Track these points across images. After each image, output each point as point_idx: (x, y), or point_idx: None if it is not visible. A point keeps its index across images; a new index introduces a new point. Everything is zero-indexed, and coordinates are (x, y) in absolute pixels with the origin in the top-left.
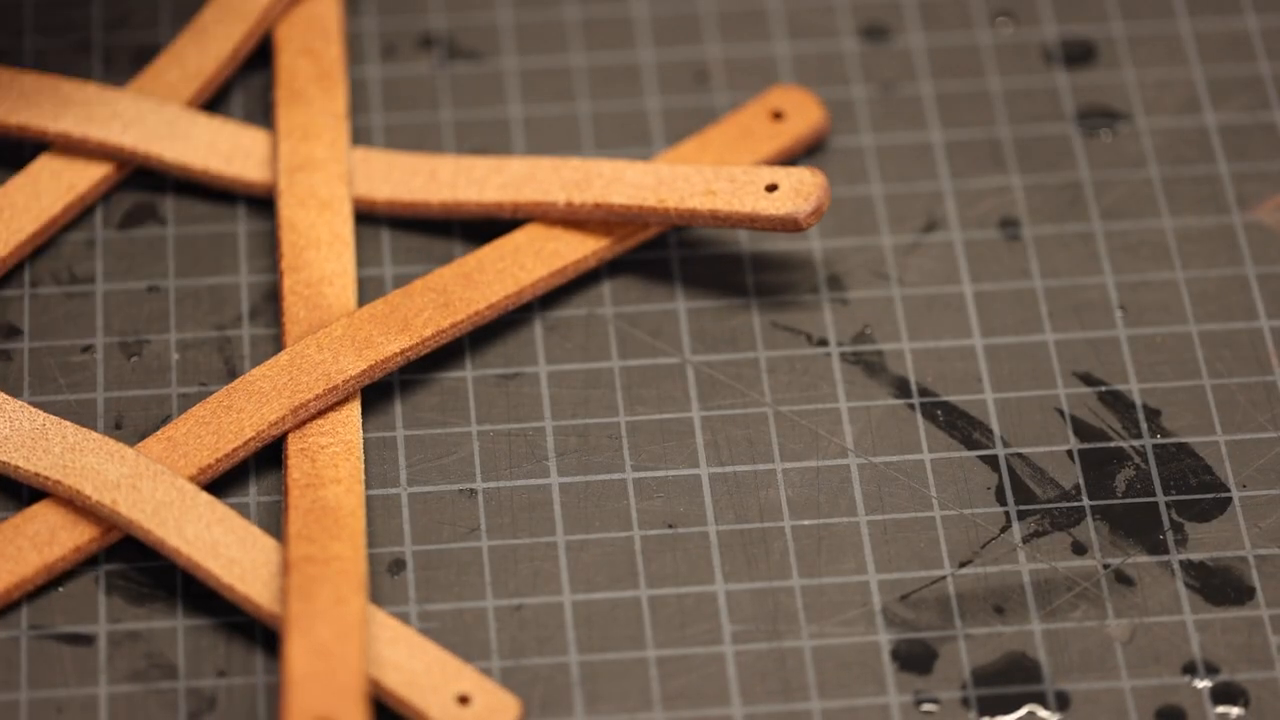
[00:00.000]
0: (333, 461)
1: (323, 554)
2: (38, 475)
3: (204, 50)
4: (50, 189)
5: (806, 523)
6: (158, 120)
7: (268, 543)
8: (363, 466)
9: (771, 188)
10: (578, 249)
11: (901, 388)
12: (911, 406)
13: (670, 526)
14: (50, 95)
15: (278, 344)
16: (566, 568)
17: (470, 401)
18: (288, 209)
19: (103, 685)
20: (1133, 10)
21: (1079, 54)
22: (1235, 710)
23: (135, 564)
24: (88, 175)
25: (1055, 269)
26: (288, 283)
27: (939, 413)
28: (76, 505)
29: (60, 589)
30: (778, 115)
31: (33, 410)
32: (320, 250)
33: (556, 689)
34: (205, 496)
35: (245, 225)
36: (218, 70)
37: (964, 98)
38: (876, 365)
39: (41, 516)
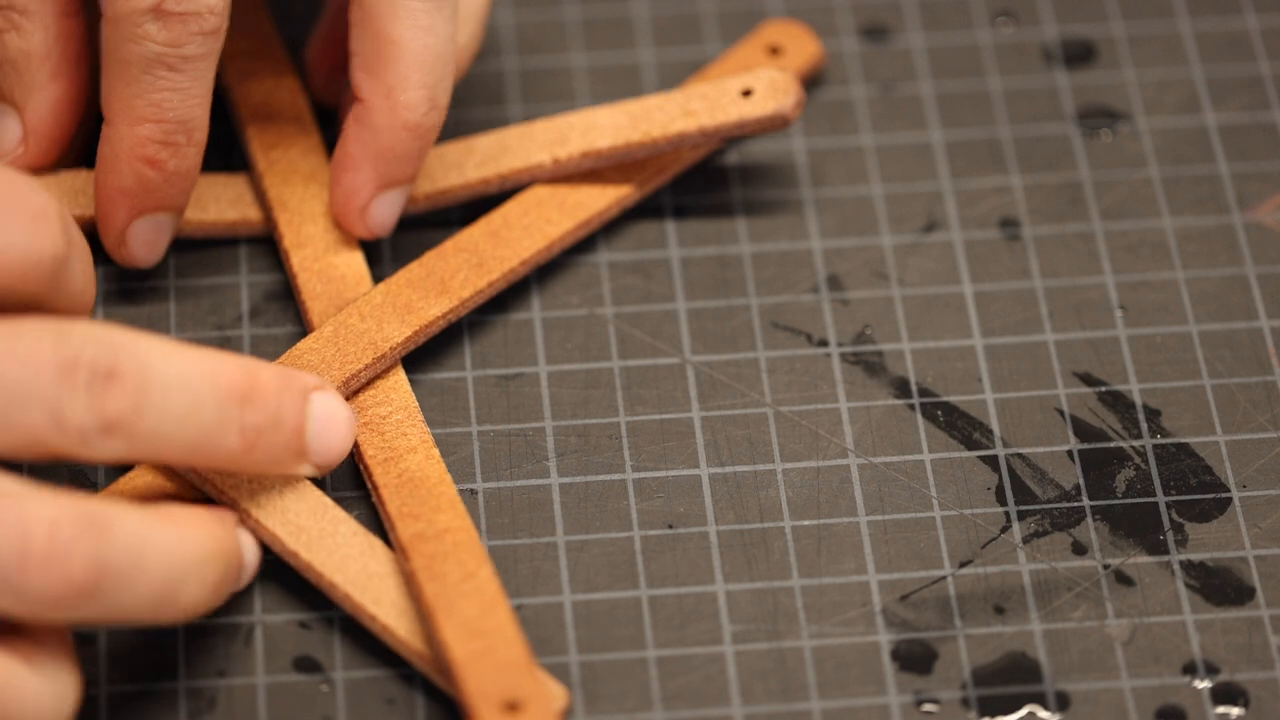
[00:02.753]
0: (400, 430)
1: (432, 529)
2: None
3: None
4: None
5: (806, 523)
6: None
7: (338, 513)
8: (429, 429)
9: (747, 93)
10: (600, 198)
11: (901, 388)
12: (911, 406)
13: (670, 526)
14: None
15: (279, 343)
16: (566, 568)
17: (470, 401)
18: (274, 188)
19: (104, 685)
20: (1133, 10)
21: (1079, 54)
22: (1235, 710)
23: None
24: None
25: (1055, 269)
26: (296, 259)
27: (939, 413)
28: (167, 473)
29: None
30: (774, 50)
31: None
32: (318, 223)
33: None
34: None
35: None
36: None
37: (964, 98)
38: (876, 365)
39: (138, 482)
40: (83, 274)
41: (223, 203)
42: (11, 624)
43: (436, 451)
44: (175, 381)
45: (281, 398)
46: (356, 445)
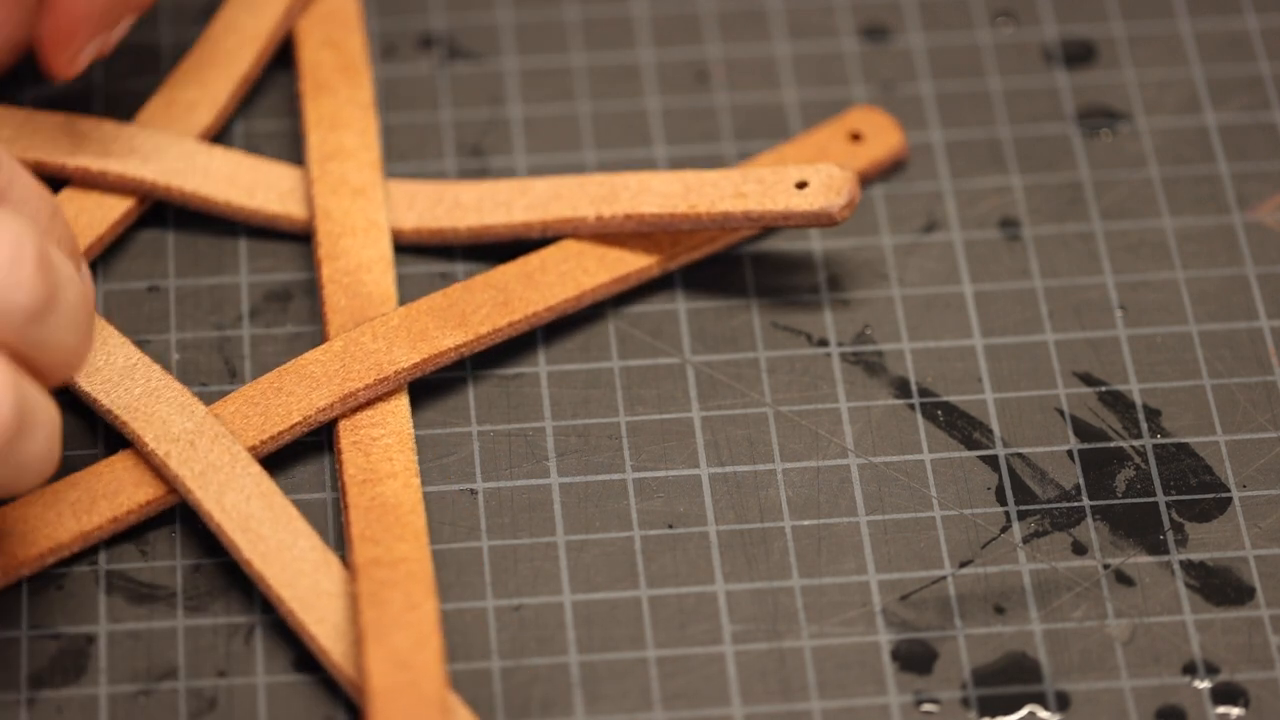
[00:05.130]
0: (387, 455)
1: (389, 556)
2: (110, 412)
3: (224, 62)
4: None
5: (806, 523)
6: (176, 153)
7: (301, 526)
8: (416, 458)
9: (801, 185)
10: (642, 259)
11: (901, 388)
12: (911, 406)
13: (670, 526)
14: (66, 132)
15: (279, 343)
16: (566, 568)
17: (470, 401)
18: (322, 196)
19: (103, 685)
20: (1133, 10)
21: (1079, 54)
22: (1235, 710)
23: (135, 564)
24: (108, 213)
25: (1055, 269)
26: (326, 271)
27: (939, 413)
28: (143, 463)
29: (60, 589)
30: (856, 137)
31: (131, 347)
32: (356, 238)
33: (556, 689)
34: (256, 469)
35: (246, 225)
36: (243, 78)
37: (964, 98)
38: (876, 365)
39: (118, 466)
40: (64, 329)
41: (271, 194)
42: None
43: (417, 481)
44: None
45: None
46: (339, 463)
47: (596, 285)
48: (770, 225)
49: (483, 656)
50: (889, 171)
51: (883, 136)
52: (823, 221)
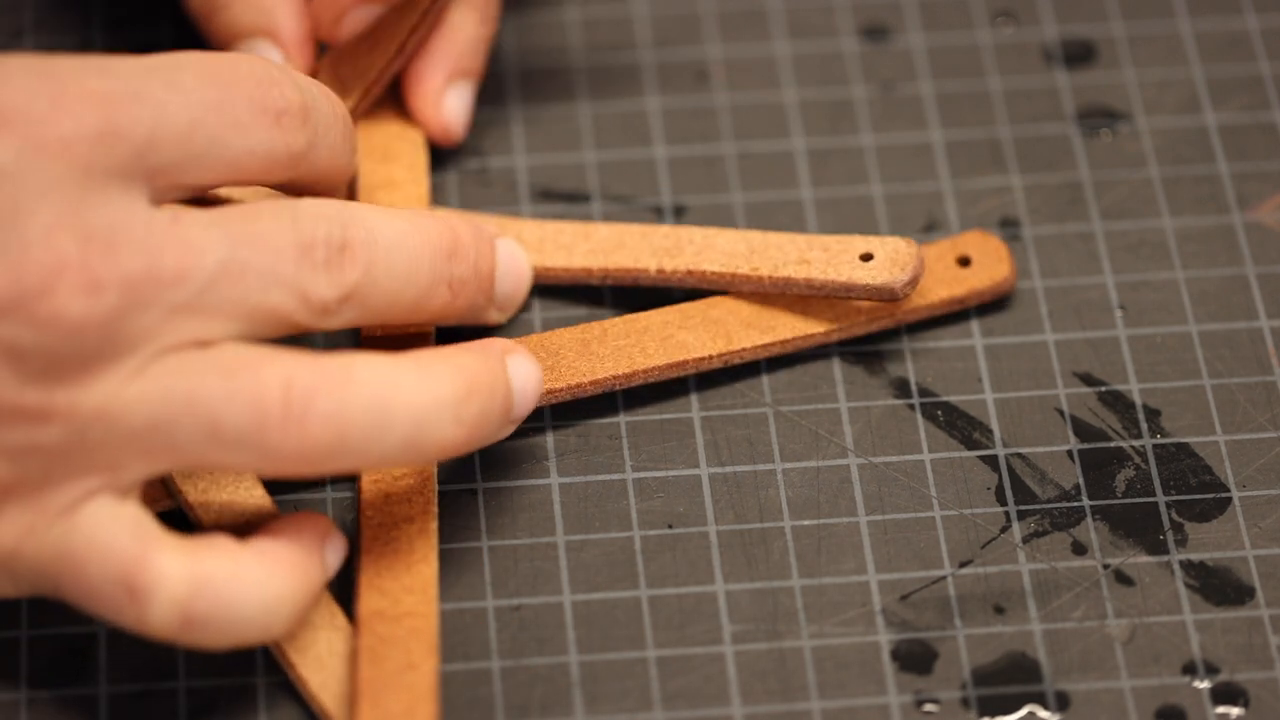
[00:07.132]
0: (406, 496)
1: (394, 609)
2: None
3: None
4: None
5: (806, 523)
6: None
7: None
8: (436, 500)
9: (866, 257)
10: (706, 347)
11: (901, 388)
12: (911, 406)
13: (670, 526)
14: None
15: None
16: (566, 568)
17: None
18: None
19: (103, 685)
20: (1133, 10)
21: (1079, 54)
22: (1235, 710)
23: None
24: None
25: (1055, 269)
26: None
27: (939, 413)
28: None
29: None
30: (962, 260)
31: None
32: None
33: (556, 689)
34: (260, 492)
35: None
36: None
37: (964, 98)
38: (876, 365)
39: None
40: (330, 150)
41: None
42: (247, 525)
43: (434, 525)
44: (396, 246)
45: (478, 248)
46: (358, 503)
47: (650, 366)
48: (830, 295)
49: (483, 656)
50: (994, 304)
51: (991, 266)
52: (884, 296)
